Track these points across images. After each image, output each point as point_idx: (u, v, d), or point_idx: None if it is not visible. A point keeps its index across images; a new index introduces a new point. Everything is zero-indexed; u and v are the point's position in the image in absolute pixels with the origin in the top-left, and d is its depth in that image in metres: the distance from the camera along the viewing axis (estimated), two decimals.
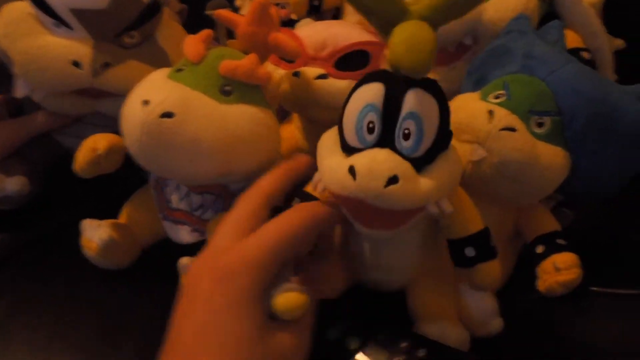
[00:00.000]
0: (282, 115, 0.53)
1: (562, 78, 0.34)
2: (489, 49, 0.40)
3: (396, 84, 0.28)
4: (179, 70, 0.37)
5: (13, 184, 0.45)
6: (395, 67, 0.27)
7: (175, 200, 0.40)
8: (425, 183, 0.28)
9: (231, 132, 0.35)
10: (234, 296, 0.27)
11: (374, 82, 0.29)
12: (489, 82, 0.38)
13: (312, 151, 0.34)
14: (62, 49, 0.41)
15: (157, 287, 0.40)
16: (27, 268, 0.44)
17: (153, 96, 0.34)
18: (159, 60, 0.44)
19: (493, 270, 0.32)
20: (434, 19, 0.27)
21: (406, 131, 0.28)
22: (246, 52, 0.39)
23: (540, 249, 0.36)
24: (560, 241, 0.36)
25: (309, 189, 0.34)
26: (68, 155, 0.39)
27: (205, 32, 0.38)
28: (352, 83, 0.44)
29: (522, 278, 0.38)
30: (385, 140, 0.28)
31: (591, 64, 0.45)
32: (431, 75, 0.48)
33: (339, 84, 0.44)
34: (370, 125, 0.29)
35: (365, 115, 0.29)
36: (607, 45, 0.47)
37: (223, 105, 0.36)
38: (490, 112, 0.33)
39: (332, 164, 0.30)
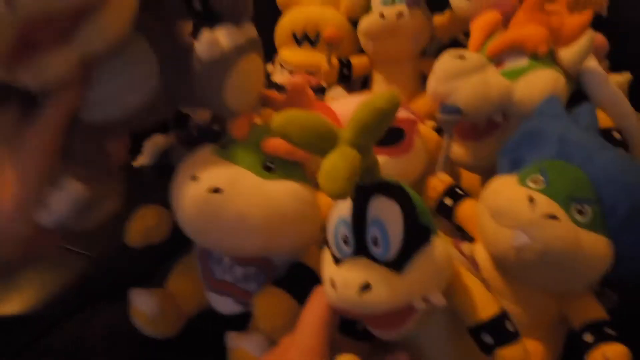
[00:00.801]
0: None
1: (599, 166, 0.35)
2: (523, 130, 0.41)
3: (361, 195, 0.30)
4: (225, 146, 0.39)
5: (68, 194, 0.36)
6: None
7: (219, 271, 0.41)
8: (402, 282, 0.29)
9: (275, 209, 0.36)
10: None
11: None
12: (525, 164, 0.39)
13: None
14: None
15: (201, 356, 0.42)
16: (74, 333, 0.45)
17: (202, 173, 0.36)
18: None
19: (517, 355, 0.31)
20: (360, 143, 0.28)
21: (374, 238, 0.30)
22: None
23: (589, 338, 0.35)
24: (610, 331, 0.35)
25: None
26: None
27: (251, 114, 0.40)
28: (387, 159, 0.46)
29: None
30: (360, 249, 0.30)
31: (623, 144, 0.46)
32: (460, 150, 0.50)
33: None
34: (345, 238, 0.31)
35: (339, 229, 0.31)
36: (637, 124, 0.48)
37: (266, 182, 0.37)
38: (531, 199, 0.34)
39: (324, 276, 0.32)
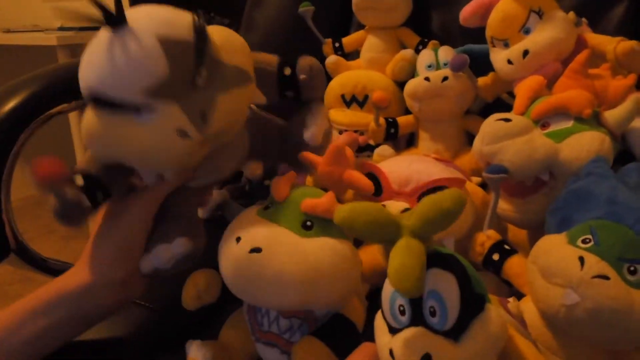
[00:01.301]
0: None
1: None
2: (570, 189, 0.42)
3: None
4: (267, 207, 0.42)
5: (178, 247, 0.43)
6: None
7: (266, 323, 0.43)
8: (461, 352, 0.30)
9: (312, 265, 0.38)
10: None
11: None
12: (573, 223, 0.40)
13: None
14: (161, 129, 0.39)
15: None
16: None
17: (244, 234, 0.39)
18: (235, 76, 0.42)
19: None
20: (423, 234, 0.30)
21: (431, 309, 0.31)
22: (325, 190, 0.43)
23: None
24: None
25: None
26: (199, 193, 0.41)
27: (291, 174, 0.43)
28: None
29: None
30: (417, 318, 0.31)
31: None
32: (507, 206, 0.52)
33: None
34: (401, 308, 0.32)
35: (396, 300, 0.32)
36: None
37: (305, 240, 0.40)
38: (581, 259, 0.35)
39: (380, 345, 0.33)
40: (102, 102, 0.38)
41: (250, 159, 0.50)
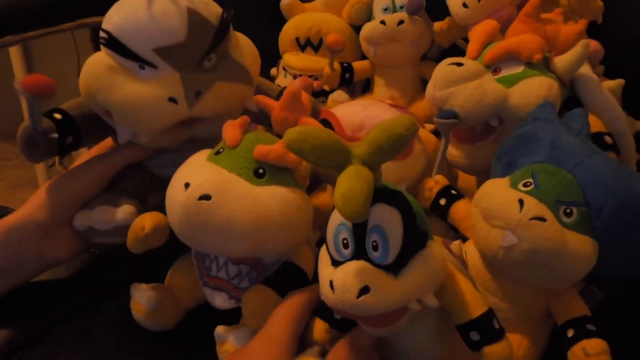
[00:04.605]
0: (317, 183, 0.56)
1: (587, 170, 0.37)
2: (516, 134, 0.43)
3: None
4: (218, 152, 0.41)
5: (123, 213, 0.45)
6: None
7: (214, 268, 0.43)
8: (399, 285, 0.31)
9: (262, 213, 0.38)
10: None
11: None
12: (517, 168, 0.40)
13: None
14: (156, 90, 0.42)
15: (198, 347, 0.44)
16: (75, 329, 0.47)
17: (193, 179, 0.37)
18: (239, 74, 0.46)
19: (502, 352, 0.33)
20: (372, 162, 0.30)
21: (374, 243, 0.31)
22: (280, 136, 0.42)
23: (570, 333, 0.37)
24: (590, 327, 0.37)
25: None
26: (163, 185, 0.41)
27: (243, 118, 0.42)
28: (388, 163, 0.47)
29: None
30: (360, 252, 0.32)
31: (614, 147, 0.47)
32: (457, 152, 0.52)
33: None
34: (345, 241, 0.32)
35: (340, 233, 0.32)
36: (628, 128, 0.50)
37: (256, 187, 0.39)
38: (520, 201, 0.35)
39: (322, 276, 0.33)
40: (116, 46, 0.42)
41: None
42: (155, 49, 0.42)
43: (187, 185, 0.37)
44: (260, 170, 0.40)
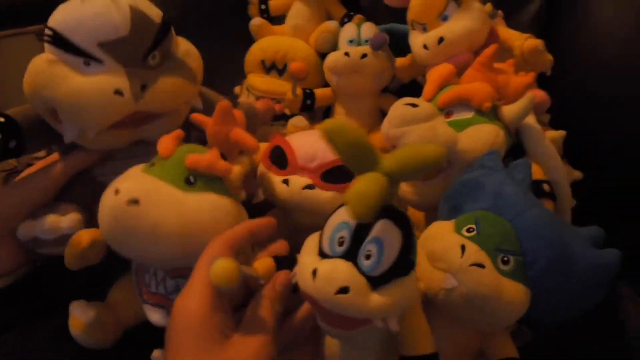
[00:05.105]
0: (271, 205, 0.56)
1: (526, 221, 0.39)
2: (463, 180, 0.45)
3: None
4: (153, 164, 0.41)
5: (69, 221, 0.44)
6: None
7: (153, 284, 0.43)
8: (374, 299, 0.32)
9: (191, 218, 0.39)
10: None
11: None
12: (462, 212, 0.42)
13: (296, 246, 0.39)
14: (102, 83, 0.42)
15: None
16: (9, 344, 0.45)
17: (123, 186, 0.38)
18: (184, 72, 0.47)
19: None
20: (395, 176, 0.32)
21: (368, 252, 0.32)
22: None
23: None
24: None
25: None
26: None
27: (177, 132, 0.43)
28: (336, 195, 0.49)
29: None
30: (351, 254, 0.33)
31: (551, 195, 0.51)
32: (407, 188, 0.54)
33: (324, 195, 0.48)
34: (341, 239, 0.33)
35: (340, 230, 0.34)
36: (566, 178, 0.53)
37: (186, 194, 0.40)
38: (462, 247, 0.37)
39: (305, 262, 0.34)
40: (60, 42, 0.42)
41: None
42: (99, 43, 0.42)
43: (117, 191, 0.38)
44: (191, 179, 0.40)
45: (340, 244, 0.33)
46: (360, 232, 0.33)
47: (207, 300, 0.34)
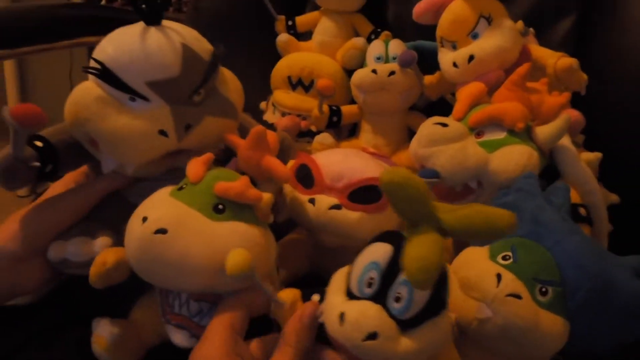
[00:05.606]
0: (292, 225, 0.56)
1: (566, 250, 0.37)
2: (499, 203, 0.44)
3: (403, 251, 0.31)
4: (181, 188, 0.41)
5: (100, 246, 0.44)
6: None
7: (177, 305, 0.42)
8: (404, 344, 0.31)
9: (219, 248, 0.38)
10: None
11: (387, 242, 0.33)
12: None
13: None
14: (147, 122, 0.42)
15: None
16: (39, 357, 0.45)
17: (151, 213, 0.37)
18: (226, 108, 0.47)
19: None
20: (451, 233, 0.30)
21: (398, 295, 0.31)
22: (243, 173, 0.43)
23: None
24: None
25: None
26: None
27: (207, 156, 0.42)
28: (363, 215, 0.47)
29: None
30: (380, 296, 0.31)
31: (588, 219, 0.49)
32: None
33: (351, 215, 0.47)
34: (371, 280, 0.32)
35: (369, 270, 0.32)
36: (602, 201, 0.51)
37: (215, 223, 0.39)
38: (498, 276, 0.36)
39: (332, 303, 0.33)
40: (108, 77, 0.42)
41: None
42: (148, 82, 0.42)
43: (144, 219, 0.37)
44: (220, 206, 0.40)
45: (369, 285, 0.32)
46: (391, 273, 0.31)
47: (225, 346, 0.34)
